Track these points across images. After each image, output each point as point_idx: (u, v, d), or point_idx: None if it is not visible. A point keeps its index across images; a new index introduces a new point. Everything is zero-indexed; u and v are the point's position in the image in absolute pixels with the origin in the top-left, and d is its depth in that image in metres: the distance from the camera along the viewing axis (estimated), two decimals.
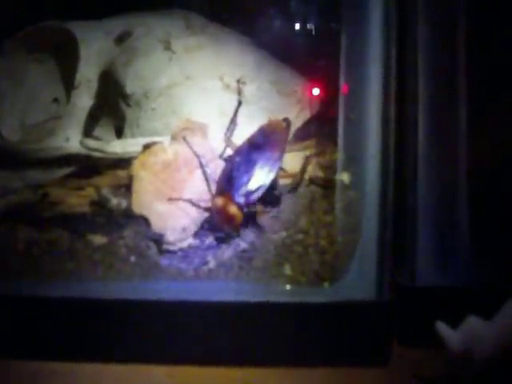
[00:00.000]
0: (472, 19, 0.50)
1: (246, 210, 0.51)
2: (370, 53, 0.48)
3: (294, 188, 0.54)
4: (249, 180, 0.52)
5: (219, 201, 0.51)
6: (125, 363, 0.48)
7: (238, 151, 0.53)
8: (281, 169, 0.54)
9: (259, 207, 0.53)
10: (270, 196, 0.53)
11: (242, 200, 0.51)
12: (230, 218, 0.50)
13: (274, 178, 0.52)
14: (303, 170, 0.54)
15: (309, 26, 0.61)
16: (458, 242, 0.50)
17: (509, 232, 0.51)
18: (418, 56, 0.49)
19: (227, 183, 0.52)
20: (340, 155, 0.50)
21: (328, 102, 0.58)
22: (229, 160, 0.53)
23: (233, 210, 0.50)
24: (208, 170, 0.53)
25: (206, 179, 0.53)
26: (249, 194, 0.52)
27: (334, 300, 0.47)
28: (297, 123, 0.59)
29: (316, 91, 0.59)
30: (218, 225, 0.51)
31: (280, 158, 0.53)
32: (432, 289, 0.50)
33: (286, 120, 0.56)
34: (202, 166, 0.53)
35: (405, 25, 0.50)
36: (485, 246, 0.50)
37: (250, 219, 0.52)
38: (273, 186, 0.53)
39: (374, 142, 0.48)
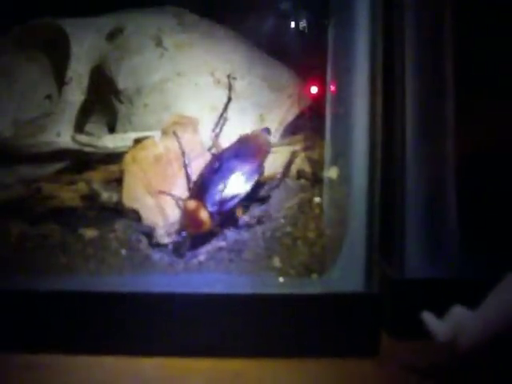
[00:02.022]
0: (459, 16, 0.50)
1: (215, 218, 0.51)
2: (357, 49, 0.48)
3: (276, 185, 0.54)
4: (224, 188, 0.52)
5: (191, 204, 0.51)
6: (116, 355, 0.48)
7: (218, 157, 0.53)
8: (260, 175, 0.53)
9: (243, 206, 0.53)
10: (257, 194, 0.53)
11: (214, 208, 0.51)
12: (198, 224, 0.50)
13: (252, 187, 0.52)
14: (289, 164, 0.55)
15: (299, 22, 0.62)
16: (446, 235, 0.51)
17: (496, 224, 0.51)
18: (406, 52, 0.50)
19: (203, 187, 0.52)
20: (327, 150, 0.51)
21: (319, 97, 0.58)
22: (208, 166, 0.53)
23: (203, 215, 0.50)
24: (189, 171, 0.53)
25: (188, 179, 0.53)
26: (223, 202, 0.51)
27: (322, 292, 0.48)
28: (288, 118, 0.60)
29: (307, 86, 0.60)
30: (185, 226, 0.51)
31: (259, 169, 0.53)
32: (421, 281, 0.50)
33: (266, 130, 0.56)
34: (185, 165, 0.53)
35: (392, 20, 0.50)
36: (473, 238, 0.50)
37: (228, 220, 0.52)
38: (258, 185, 0.53)
39: (361, 136, 0.48)
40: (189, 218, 0.51)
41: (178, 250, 0.51)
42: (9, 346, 0.48)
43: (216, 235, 0.52)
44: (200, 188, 0.52)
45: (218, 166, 0.53)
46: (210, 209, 0.51)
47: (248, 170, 0.53)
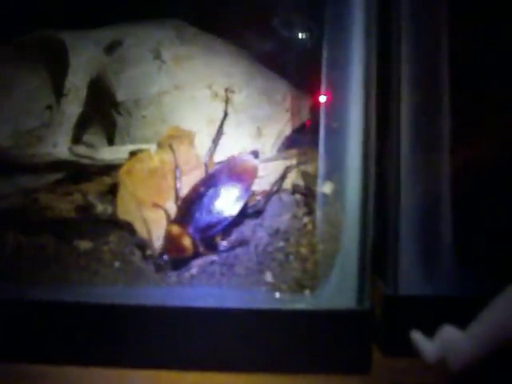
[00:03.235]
0: (456, 29, 0.50)
1: (198, 244, 0.51)
2: (351, 63, 0.48)
3: (268, 199, 0.54)
4: (209, 214, 0.52)
5: (174, 229, 0.51)
6: (107, 367, 0.48)
7: (204, 182, 0.53)
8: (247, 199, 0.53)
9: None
10: (244, 214, 0.53)
11: (197, 235, 0.51)
12: (180, 249, 0.50)
13: (240, 210, 0.52)
14: (283, 178, 0.55)
15: (296, 36, 0.62)
16: (440, 251, 0.50)
17: (491, 241, 0.51)
18: (402, 65, 0.49)
19: (188, 212, 0.51)
20: (321, 164, 0.51)
21: (316, 111, 0.58)
22: (194, 189, 0.53)
23: (185, 242, 0.50)
24: (179, 185, 0.53)
25: (176, 194, 0.53)
26: (207, 228, 0.51)
27: (314, 308, 0.48)
28: (285, 131, 0.60)
29: (304, 100, 0.60)
30: (167, 250, 0.51)
31: (245, 194, 0.53)
32: (415, 298, 0.50)
33: (254, 153, 0.56)
34: (176, 179, 0.53)
35: (388, 34, 0.50)
36: (467, 255, 0.50)
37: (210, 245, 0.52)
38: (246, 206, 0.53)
39: (355, 152, 0.48)
40: (172, 243, 0.51)
41: (160, 270, 0.50)
42: (0, 355, 0.49)
43: (195, 258, 0.51)
44: (185, 213, 0.52)
45: (204, 190, 0.52)
46: (193, 235, 0.51)
47: (234, 195, 0.52)
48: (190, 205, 0.52)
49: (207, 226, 0.51)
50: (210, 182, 0.53)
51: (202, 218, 0.52)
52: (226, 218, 0.52)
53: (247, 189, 0.53)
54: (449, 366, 0.41)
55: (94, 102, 0.58)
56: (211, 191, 0.53)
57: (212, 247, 0.52)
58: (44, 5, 0.60)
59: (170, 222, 0.52)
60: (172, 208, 0.53)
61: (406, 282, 0.50)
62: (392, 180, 0.50)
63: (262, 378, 0.48)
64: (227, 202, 0.52)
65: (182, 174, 0.54)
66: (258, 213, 0.54)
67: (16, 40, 0.59)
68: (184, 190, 0.53)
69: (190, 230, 0.51)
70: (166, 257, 0.50)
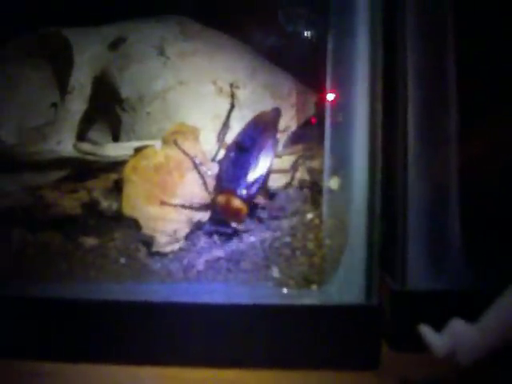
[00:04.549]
0: (461, 19, 0.50)
1: (248, 201, 0.52)
2: (357, 58, 0.48)
3: (286, 187, 0.55)
4: (246, 173, 0.53)
5: (222, 198, 0.52)
6: (114, 364, 0.48)
7: (232, 147, 0.54)
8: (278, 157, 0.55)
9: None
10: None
11: (243, 193, 0.52)
12: (235, 212, 0.52)
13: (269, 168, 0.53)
14: (293, 174, 0.55)
15: (301, 31, 0.62)
16: (448, 246, 0.50)
17: (499, 236, 0.50)
18: (408, 60, 0.49)
19: (226, 180, 0.53)
20: (327, 159, 0.50)
21: (322, 106, 0.58)
22: (224, 158, 0.54)
23: (237, 203, 0.51)
24: (204, 169, 0.54)
25: (202, 177, 0.54)
26: (249, 186, 0.52)
27: (321, 303, 0.47)
28: (291, 127, 0.59)
29: (310, 95, 0.60)
30: (224, 220, 0.52)
31: (273, 146, 0.54)
32: (423, 293, 0.49)
33: (277, 109, 0.57)
34: (196, 165, 0.54)
35: (394, 29, 0.50)
36: (476, 250, 0.49)
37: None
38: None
39: (362, 146, 0.48)
40: (224, 211, 0.52)
41: (229, 238, 0.52)
42: (6, 352, 0.49)
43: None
44: (224, 181, 0.53)
45: (234, 154, 0.54)
46: (240, 195, 0.52)
47: (263, 148, 0.54)
48: (224, 173, 0.53)
49: (248, 183, 0.53)
50: (236, 145, 0.54)
51: (240, 178, 0.53)
52: (261, 172, 0.53)
53: (274, 141, 0.54)
54: (458, 359, 0.41)
55: (98, 99, 0.58)
56: (240, 152, 0.54)
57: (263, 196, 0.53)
58: (48, 2, 0.60)
59: (214, 194, 0.53)
60: (183, 202, 0.53)
61: (414, 277, 0.49)
62: (399, 175, 0.50)
63: (268, 373, 0.48)
64: (258, 157, 0.53)
65: (187, 169, 0.54)
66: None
67: (20, 38, 0.59)
68: (189, 186, 0.53)
69: (235, 191, 0.52)
70: (230, 224, 0.52)
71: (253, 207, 0.53)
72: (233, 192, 0.52)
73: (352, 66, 0.48)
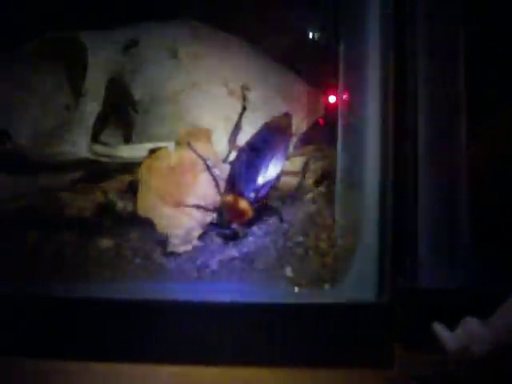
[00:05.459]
0: (472, 29, 0.50)
1: (255, 205, 0.53)
2: (368, 60, 0.48)
3: (297, 190, 0.55)
4: (256, 176, 0.54)
5: (229, 197, 0.52)
6: (129, 363, 0.49)
7: (244, 150, 0.55)
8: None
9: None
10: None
11: (251, 195, 0.53)
12: (240, 213, 0.52)
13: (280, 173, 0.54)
14: (303, 174, 0.56)
15: (312, 33, 0.62)
16: (460, 244, 0.50)
17: (510, 233, 0.51)
18: (418, 64, 0.50)
19: (236, 181, 0.53)
20: (339, 160, 0.51)
21: (332, 108, 0.59)
22: (236, 160, 0.55)
23: (243, 204, 0.52)
24: (216, 171, 0.54)
25: (214, 179, 0.54)
26: (257, 189, 0.53)
27: (334, 302, 0.48)
28: (302, 128, 0.60)
29: (320, 97, 0.60)
30: (228, 221, 0.52)
31: (285, 152, 0.55)
32: (434, 291, 0.50)
33: (288, 115, 0.57)
34: (208, 167, 0.54)
35: (405, 33, 0.50)
36: (487, 248, 0.50)
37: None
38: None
39: (373, 145, 0.48)
40: (230, 211, 0.52)
41: (232, 238, 0.52)
42: (22, 351, 0.49)
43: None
44: (234, 182, 0.54)
45: (246, 157, 0.54)
46: (249, 197, 0.53)
47: (275, 153, 0.54)
48: (235, 175, 0.54)
49: (257, 186, 0.53)
50: (249, 148, 0.55)
51: (250, 180, 0.53)
52: (271, 177, 0.54)
53: (286, 147, 0.55)
54: (470, 356, 0.42)
55: (111, 101, 0.58)
56: (252, 155, 0.54)
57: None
58: (61, 6, 0.61)
59: (223, 193, 0.54)
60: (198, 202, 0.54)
61: (426, 275, 0.50)
62: (410, 175, 0.50)
63: (282, 372, 0.48)
64: (269, 161, 0.54)
65: (200, 170, 0.54)
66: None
67: (34, 41, 0.59)
68: (202, 187, 0.54)
69: (243, 193, 0.53)
70: (233, 225, 0.52)
71: (264, 209, 0.54)
72: (241, 193, 0.53)
73: (363, 67, 0.49)
